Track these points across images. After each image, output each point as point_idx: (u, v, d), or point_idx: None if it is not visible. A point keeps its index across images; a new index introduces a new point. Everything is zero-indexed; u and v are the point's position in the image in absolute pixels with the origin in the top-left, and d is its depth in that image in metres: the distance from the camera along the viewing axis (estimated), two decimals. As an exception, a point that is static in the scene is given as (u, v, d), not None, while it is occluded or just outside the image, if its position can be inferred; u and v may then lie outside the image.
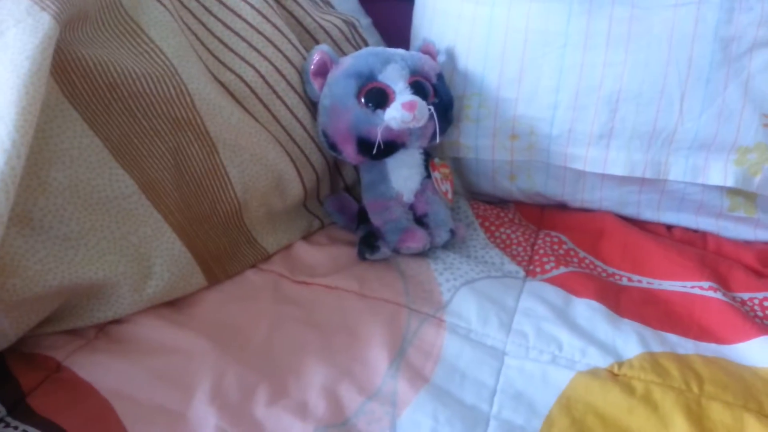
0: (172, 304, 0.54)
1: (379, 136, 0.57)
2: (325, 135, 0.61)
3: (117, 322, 0.52)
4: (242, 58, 0.58)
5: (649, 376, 0.48)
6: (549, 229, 0.67)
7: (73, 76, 0.47)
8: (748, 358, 0.51)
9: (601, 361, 0.49)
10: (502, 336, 0.52)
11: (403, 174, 0.61)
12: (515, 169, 0.68)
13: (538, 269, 0.60)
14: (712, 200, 0.63)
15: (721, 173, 0.60)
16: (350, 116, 0.58)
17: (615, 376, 0.48)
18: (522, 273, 0.60)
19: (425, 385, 0.47)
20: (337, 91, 0.60)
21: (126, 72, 0.49)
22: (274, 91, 0.59)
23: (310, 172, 0.62)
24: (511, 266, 0.61)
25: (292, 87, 0.60)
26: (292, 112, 0.60)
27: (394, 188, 0.61)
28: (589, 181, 0.66)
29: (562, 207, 0.71)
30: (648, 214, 0.67)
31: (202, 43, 0.57)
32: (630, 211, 0.67)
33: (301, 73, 0.62)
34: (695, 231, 0.67)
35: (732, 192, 0.62)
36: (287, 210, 0.62)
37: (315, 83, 0.61)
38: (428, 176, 0.63)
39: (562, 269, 0.60)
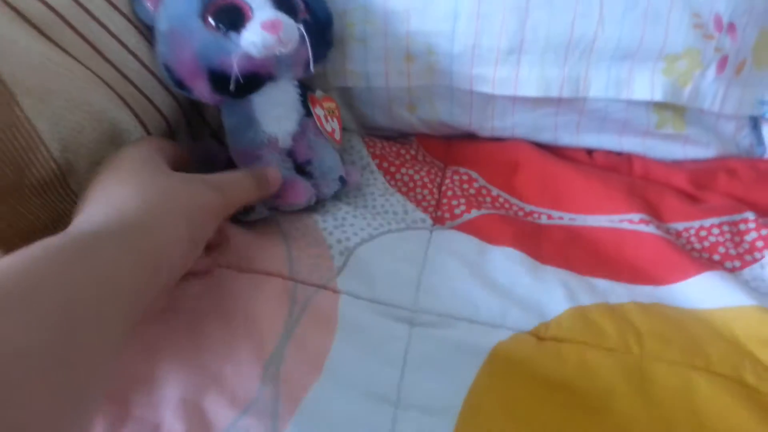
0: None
1: (235, 67, 0.43)
2: (168, 69, 0.46)
3: None
4: (36, -29, 0.43)
5: (582, 336, 0.40)
6: (457, 165, 0.57)
7: None
8: (688, 300, 0.44)
9: (524, 323, 0.41)
10: (408, 303, 0.43)
11: (275, 114, 0.48)
12: (414, 98, 0.57)
13: (447, 215, 0.51)
14: (638, 118, 0.54)
15: (647, 86, 0.52)
16: (195, 43, 0.44)
17: (542, 341, 0.41)
18: (429, 221, 0.50)
19: (315, 383, 0.38)
20: (175, 9, 0.45)
21: None
22: (90, 14, 0.44)
23: (157, 118, 0.49)
24: (416, 213, 0.51)
25: (115, 6, 0.46)
26: (119, 40, 0.46)
27: (265, 132, 0.47)
28: (499, 106, 0.56)
29: (471, 137, 0.61)
30: (566, 139, 0.58)
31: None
32: (546, 136, 0.58)
33: None
34: (619, 154, 0.59)
35: (659, 106, 0.54)
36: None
37: (146, 0, 0.46)
38: (308, 114, 0.50)
39: (474, 212, 0.51)
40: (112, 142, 0.46)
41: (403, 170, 0.55)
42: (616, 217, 0.50)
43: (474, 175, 0.55)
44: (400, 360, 0.40)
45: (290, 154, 0.49)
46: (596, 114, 0.55)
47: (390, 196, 0.53)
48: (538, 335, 0.41)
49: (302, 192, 0.48)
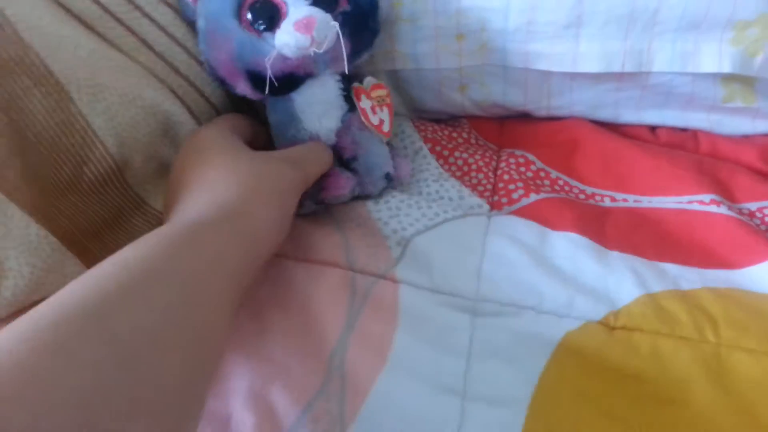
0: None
1: (269, 69, 0.42)
2: (210, 66, 0.45)
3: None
4: (85, -35, 0.42)
5: (654, 325, 0.39)
6: (512, 148, 0.55)
7: None
8: (764, 284, 0.42)
9: (593, 312, 0.40)
10: (469, 293, 0.41)
11: (316, 112, 0.45)
12: (466, 78, 0.55)
13: (504, 200, 0.49)
14: (704, 91, 0.52)
15: (715, 58, 0.49)
16: (231, 43, 0.42)
17: (612, 330, 0.39)
18: (486, 206, 0.49)
19: (380, 374, 0.37)
20: (211, 7, 0.43)
21: None
22: (138, 7, 0.44)
23: (207, 109, 0.48)
24: (472, 199, 0.50)
25: (164, -1, 0.45)
26: (167, 33, 0.45)
27: (307, 130, 0.45)
28: (556, 84, 0.53)
29: (526, 118, 0.59)
30: (627, 116, 0.56)
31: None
32: (606, 114, 0.56)
33: None
34: (684, 130, 0.56)
35: (727, 79, 0.51)
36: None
37: None
38: (353, 109, 0.47)
39: (533, 196, 0.49)
40: (165, 135, 0.46)
41: (457, 154, 0.54)
42: (684, 198, 0.47)
43: (531, 157, 0.53)
44: (464, 350, 0.39)
45: (335, 149, 0.47)
46: (660, 89, 0.52)
47: (444, 181, 0.51)
48: (608, 324, 0.39)
49: (343, 184, 0.46)
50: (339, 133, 0.47)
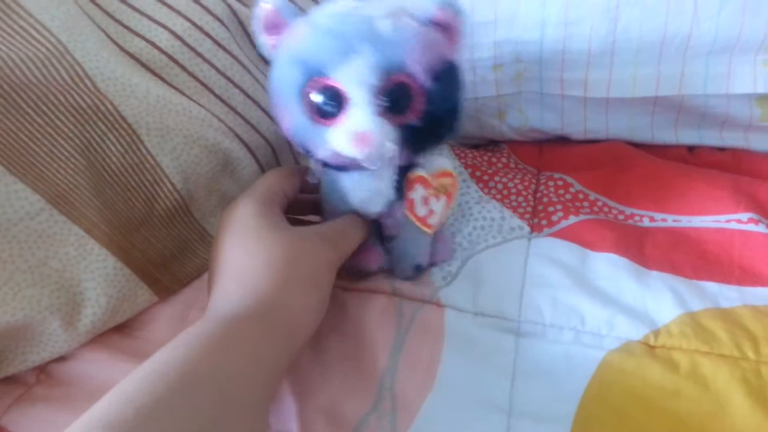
0: (122, 327, 0.46)
1: (319, 158, 0.40)
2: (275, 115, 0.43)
3: (60, 359, 0.44)
4: (151, 19, 0.46)
5: (693, 344, 0.40)
6: (551, 171, 0.57)
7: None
8: (804, 301, 0.43)
9: (634, 332, 0.41)
10: (512, 315, 0.44)
11: (362, 196, 0.42)
12: (503, 105, 0.58)
13: (544, 222, 0.51)
14: (740, 111, 0.53)
15: (749, 79, 0.50)
16: (291, 119, 0.39)
17: (652, 349, 0.40)
18: (527, 228, 0.51)
19: (429, 393, 0.40)
20: (280, 79, 0.40)
21: (1, 60, 0.38)
22: (198, 54, 0.48)
23: (263, 145, 0.52)
24: (513, 221, 0.52)
25: (220, 45, 0.49)
26: (226, 77, 0.49)
27: (351, 206, 0.43)
28: (592, 108, 0.55)
29: (564, 141, 0.61)
30: (664, 137, 0.57)
31: (99, 6, 0.46)
32: (643, 135, 0.57)
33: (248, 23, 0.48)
34: (721, 150, 0.57)
35: (762, 99, 0.52)
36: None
37: (268, 39, 0.41)
38: (401, 198, 0.43)
39: (572, 218, 0.51)
40: (225, 170, 0.50)
41: (497, 178, 0.56)
42: (722, 218, 0.49)
43: (569, 180, 0.55)
44: (509, 370, 0.41)
45: (376, 221, 0.45)
46: (695, 110, 0.53)
47: (486, 203, 0.53)
48: (649, 343, 0.41)
49: (373, 260, 0.45)
50: (382, 215, 0.44)
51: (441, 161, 0.44)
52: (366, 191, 0.42)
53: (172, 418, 0.28)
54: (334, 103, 0.37)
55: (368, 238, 0.44)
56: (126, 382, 0.29)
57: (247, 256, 0.37)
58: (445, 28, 0.39)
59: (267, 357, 0.33)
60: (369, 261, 0.45)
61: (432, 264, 0.47)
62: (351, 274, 0.46)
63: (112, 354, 0.44)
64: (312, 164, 0.43)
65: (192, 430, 0.28)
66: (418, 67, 0.36)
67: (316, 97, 0.37)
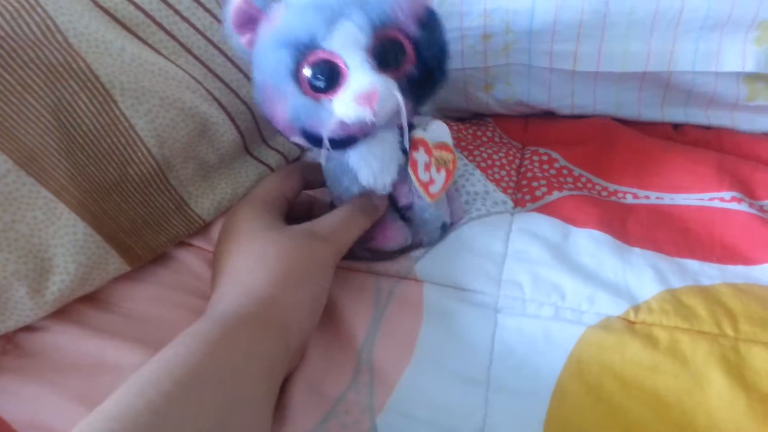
0: (95, 301, 0.45)
1: (326, 135, 0.38)
2: (265, 117, 0.41)
3: (29, 330, 0.43)
4: (126, -27, 0.44)
5: (673, 320, 0.40)
6: (536, 146, 0.57)
7: None
8: (783, 280, 0.43)
9: (614, 308, 0.41)
10: (492, 290, 0.43)
11: (373, 167, 0.42)
12: (491, 77, 0.57)
13: (527, 197, 0.51)
14: (727, 90, 0.52)
15: (738, 57, 0.49)
16: (287, 105, 0.38)
17: (632, 324, 0.40)
18: (510, 203, 0.50)
19: (407, 367, 0.39)
20: (267, 66, 0.38)
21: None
22: (177, 11, 0.46)
23: (243, 111, 0.50)
24: (497, 194, 0.51)
25: (200, 3, 0.47)
26: (206, 37, 0.47)
27: (362, 185, 0.43)
28: (580, 83, 0.55)
29: (550, 116, 0.60)
30: (651, 114, 0.56)
31: (71, -42, 0.43)
32: (629, 112, 0.57)
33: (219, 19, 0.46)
34: (707, 128, 0.57)
35: (750, 78, 0.51)
36: (224, 161, 0.50)
37: (241, 38, 0.39)
38: (408, 163, 0.43)
39: (556, 194, 0.50)
40: (203, 136, 0.48)
41: (482, 149, 0.55)
42: (705, 196, 0.48)
43: (554, 155, 0.54)
44: (488, 344, 0.40)
45: (390, 196, 0.44)
46: (682, 87, 0.53)
47: (470, 175, 0.52)
48: (628, 319, 0.40)
49: (394, 235, 0.45)
50: (395, 184, 0.43)
51: (440, 132, 0.44)
52: (377, 160, 0.42)
53: (181, 412, 0.28)
54: (332, 73, 0.36)
55: (385, 215, 0.44)
56: (132, 380, 0.29)
57: (241, 257, 0.38)
58: None
59: (263, 353, 0.34)
60: (390, 238, 0.45)
61: (455, 222, 0.47)
62: (377, 258, 0.45)
63: (84, 329, 0.42)
64: (315, 155, 0.42)
65: (204, 426, 0.29)
66: (405, 19, 0.37)
67: (313, 72, 0.36)
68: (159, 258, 0.48)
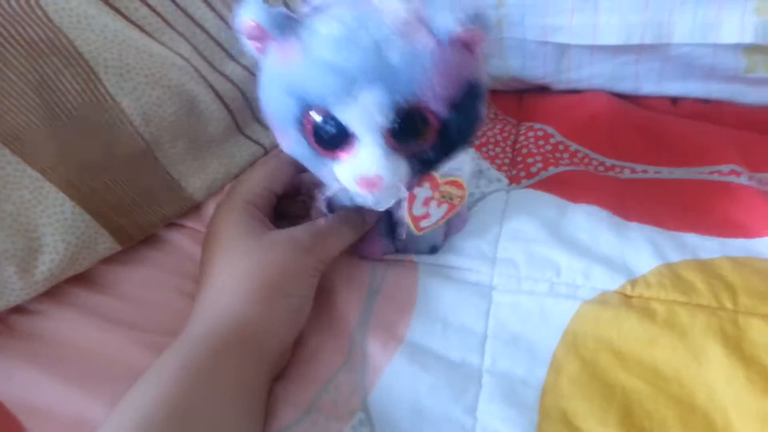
0: (89, 283, 0.44)
1: (323, 195, 0.37)
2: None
3: (21, 312, 0.42)
4: (109, -53, 0.43)
5: (671, 294, 0.39)
6: (531, 121, 0.56)
7: None
8: (782, 253, 0.42)
9: (610, 282, 0.40)
10: (486, 268, 0.42)
11: (375, 197, 0.37)
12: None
13: (522, 173, 0.50)
14: (726, 62, 0.51)
15: (737, 28, 0.48)
16: (291, 145, 0.35)
17: (629, 299, 0.40)
18: (505, 181, 0.49)
19: (400, 346, 0.39)
20: (273, 103, 0.34)
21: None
22: (160, -13, 0.45)
23: (230, 89, 0.49)
24: (491, 172, 0.50)
25: (187, -21, 0.46)
26: (186, 13, 0.46)
27: (358, 203, 0.40)
28: (576, 57, 0.53)
29: (545, 91, 0.59)
30: (648, 87, 0.55)
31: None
32: (626, 86, 0.55)
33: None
34: (706, 101, 0.56)
35: (749, 50, 0.50)
36: (216, 140, 0.50)
37: (252, 44, 0.34)
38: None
39: (552, 170, 0.49)
40: (191, 114, 0.47)
41: (476, 127, 0.54)
42: (705, 169, 0.48)
43: (550, 130, 0.54)
44: (482, 323, 0.40)
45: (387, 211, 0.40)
46: (680, 60, 0.52)
47: (464, 154, 0.51)
48: (625, 293, 0.40)
49: (377, 251, 0.44)
50: (393, 206, 0.39)
51: (459, 165, 0.38)
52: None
53: None
54: (339, 136, 0.32)
55: (373, 227, 0.43)
56: (111, 419, 0.30)
57: (217, 269, 0.38)
58: (468, 45, 0.33)
59: (240, 373, 0.34)
60: (372, 251, 0.44)
61: (451, 236, 0.45)
62: (361, 257, 0.45)
63: (77, 312, 0.42)
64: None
65: None
66: (434, 99, 0.31)
67: (320, 128, 0.32)
68: (152, 240, 0.47)
